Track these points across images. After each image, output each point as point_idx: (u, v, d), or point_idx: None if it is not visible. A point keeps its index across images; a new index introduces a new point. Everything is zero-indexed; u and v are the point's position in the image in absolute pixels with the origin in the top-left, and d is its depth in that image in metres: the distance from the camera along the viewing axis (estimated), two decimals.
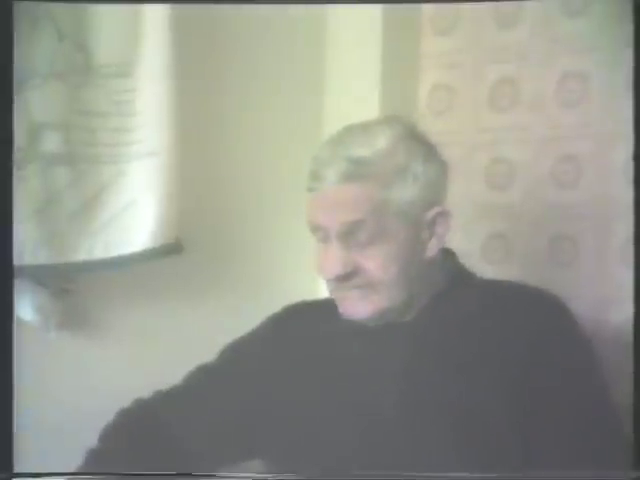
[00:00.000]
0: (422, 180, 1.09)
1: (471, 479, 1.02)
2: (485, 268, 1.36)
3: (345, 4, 1.61)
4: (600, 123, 1.39)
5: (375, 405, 1.09)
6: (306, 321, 1.21)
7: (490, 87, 1.54)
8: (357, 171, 1.06)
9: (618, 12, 1.19)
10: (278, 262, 1.52)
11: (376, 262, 1.07)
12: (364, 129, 1.11)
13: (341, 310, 1.12)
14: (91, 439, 1.17)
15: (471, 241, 1.52)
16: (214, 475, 1.17)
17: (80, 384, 1.35)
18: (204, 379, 1.23)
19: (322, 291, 1.20)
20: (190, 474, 1.15)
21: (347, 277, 1.08)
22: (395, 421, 1.07)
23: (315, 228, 1.11)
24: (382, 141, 1.08)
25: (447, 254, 1.16)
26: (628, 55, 1.11)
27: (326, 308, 1.16)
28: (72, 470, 1.12)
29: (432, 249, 1.11)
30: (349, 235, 1.07)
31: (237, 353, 1.23)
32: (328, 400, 1.12)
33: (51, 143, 1.31)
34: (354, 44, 1.60)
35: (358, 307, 1.09)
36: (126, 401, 1.23)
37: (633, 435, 1.03)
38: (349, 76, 1.60)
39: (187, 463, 1.19)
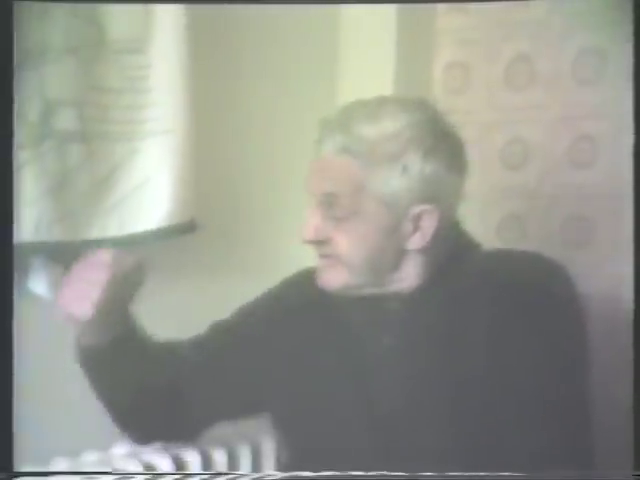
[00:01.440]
0: (414, 174, 1.07)
1: (471, 479, 1.02)
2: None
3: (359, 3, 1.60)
4: (616, 102, 1.38)
5: (379, 374, 1.10)
6: (317, 287, 1.22)
7: (505, 65, 1.53)
8: (351, 147, 1.07)
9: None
10: (292, 241, 1.51)
11: (346, 239, 1.08)
12: (379, 106, 1.10)
13: (318, 278, 1.14)
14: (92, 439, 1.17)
15: (486, 221, 1.51)
16: (218, 474, 1.18)
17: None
18: (215, 334, 1.24)
19: None
20: (193, 473, 1.16)
21: (320, 244, 1.10)
22: (398, 394, 1.09)
23: (307, 192, 1.12)
24: (389, 125, 1.07)
25: (453, 225, 1.15)
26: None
27: None
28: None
29: (416, 242, 1.09)
30: (326, 205, 1.09)
31: (251, 312, 1.25)
32: (334, 365, 1.14)
33: (65, 120, 1.31)
34: (368, 21, 1.58)
35: (329, 277, 1.11)
36: None
37: (633, 435, 1.03)
38: (363, 53, 1.59)
39: (194, 416, 1.21)
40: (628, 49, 1.32)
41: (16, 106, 1.25)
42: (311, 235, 1.10)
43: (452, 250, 1.13)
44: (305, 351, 1.17)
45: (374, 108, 1.10)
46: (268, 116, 1.53)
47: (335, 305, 1.16)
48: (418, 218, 1.08)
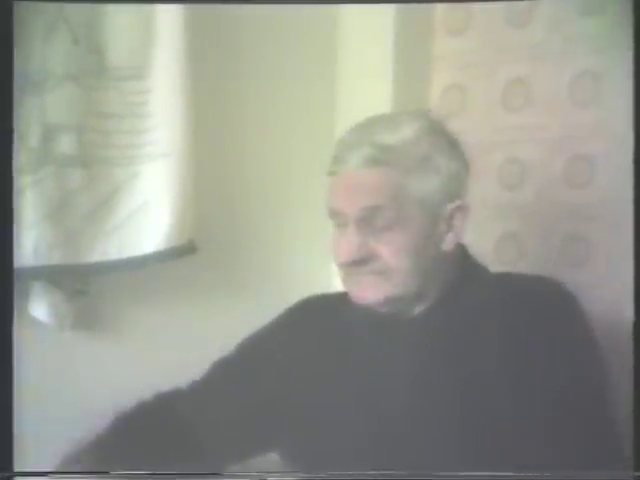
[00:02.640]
0: (444, 173, 1.10)
1: (471, 479, 1.02)
2: (498, 267, 1.36)
3: (357, 4, 1.61)
4: (613, 123, 1.39)
5: (388, 398, 1.10)
6: (321, 314, 1.22)
7: (503, 87, 1.54)
8: (381, 157, 1.07)
9: (632, 11, 1.19)
10: (293, 262, 1.52)
11: (391, 249, 1.08)
12: (390, 118, 1.13)
13: (351, 295, 1.12)
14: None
15: (484, 240, 1.51)
16: (219, 474, 1.17)
17: (88, 384, 1.36)
18: (222, 372, 1.24)
19: (337, 289, 1.20)
20: (193, 474, 1.16)
21: (361, 262, 1.09)
22: (407, 414, 1.08)
23: (334, 213, 1.11)
24: (407, 130, 1.09)
25: (459, 248, 1.16)
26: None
27: (340, 301, 1.17)
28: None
29: (449, 243, 1.11)
30: (367, 220, 1.08)
31: (254, 346, 1.24)
32: (343, 392, 1.13)
33: (65, 145, 1.32)
34: (366, 44, 1.60)
35: (368, 292, 1.10)
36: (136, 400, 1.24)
37: (633, 435, 1.03)
38: (361, 77, 1.60)
39: (203, 457, 1.20)
40: (627, 71, 1.34)
41: (16, 131, 1.28)
42: (353, 254, 1.08)
43: (461, 272, 1.14)
44: (315, 382, 1.16)
45: (387, 120, 1.12)
46: (268, 139, 1.54)
47: (342, 333, 1.16)
48: (451, 216, 1.10)
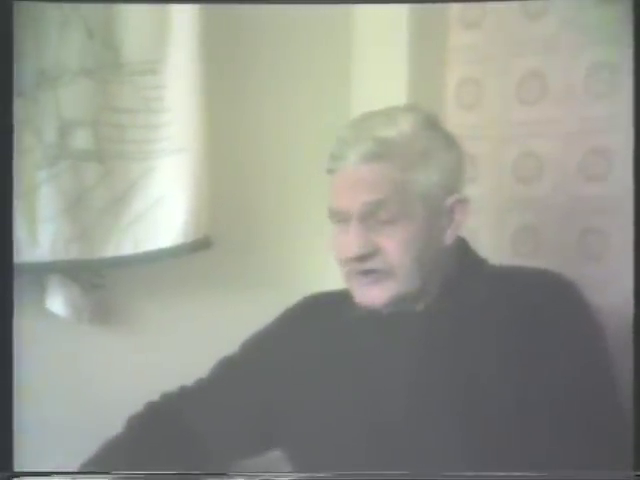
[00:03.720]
0: (443, 166, 1.10)
1: (471, 479, 1.01)
2: (514, 261, 1.36)
3: (371, 3, 1.60)
4: (629, 115, 1.37)
5: (391, 395, 1.09)
6: (324, 312, 1.22)
7: (518, 80, 1.53)
8: (381, 151, 1.07)
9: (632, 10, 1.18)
10: (307, 258, 1.52)
11: (395, 243, 1.07)
12: (386, 114, 1.12)
13: (356, 298, 1.12)
14: (93, 438, 1.18)
15: (500, 234, 1.51)
16: (220, 474, 1.18)
17: (103, 379, 1.37)
18: (226, 371, 1.24)
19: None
20: (194, 473, 1.16)
21: (365, 258, 1.08)
22: (410, 411, 1.08)
23: (335, 210, 1.11)
24: (405, 124, 1.09)
25: (459, 242, 1.16)
26: None
27: (343, 298, 1.16)
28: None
29: (450, 237, 1.11)
30: (370, 215, 1.07)
31: (257, 345, 1.25)
32: (346, 390, 1.13)
33: (81, 140, 1.33)
34: (380, 39, 1.59)
35: (374, 294, 1.09)
36: (151, 396, 1.25)
37: (633, 435, 1.02)
38: (376, 71, 1.60)
39: (208, 455, 1.21)
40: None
41: (32, 126, 1.29)
42: (357, 250, 1.08)
43: (461, 267, 1.13)
44: (318, 379, 1.16)
45: (382, 116, 1.11)
46: (283, 133, 1.54)
47: (345, 331, 1.16)
48: (451, 210, 1.10)
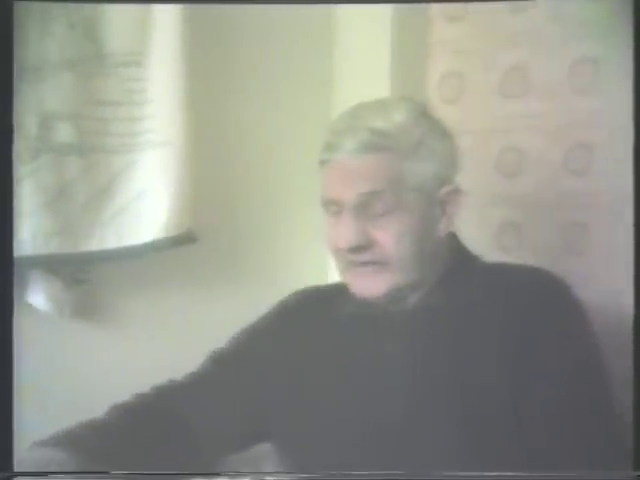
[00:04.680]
0: (437, 156, 1.10)
1: (471, 479, 1.02)
2: (498, 256, 1.36)
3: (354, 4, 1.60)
4: (613, 110, 1.38)
5: (383, 389, 1.09)
6: (315, 306, 1.22)
7: (501, 74, 1.53)
8: (376, 142, 1.07)
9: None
10: (291, 251, 1.52)
11: (390, 235, 1.07)
12: (380, 104, 1.12)
13: (353, 289, 1.11)
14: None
15: (483, 229, 1.51)
16: (219, 474, 1.18)
17: (86, 373, 1.37)
18: (217, 365, 1.24)
19: (334, 279, 1.20)
20: (193, 474, 1.16)
21: (360, 249, 1.08)
22: (403, 406, 1.08)
23: (330, 201, 1.10)
24: (399, 115, 1.09)
25: (451, 236, 1.16)
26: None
27: (335, 292, 1.16)
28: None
29: (444, 228, 1.11)
30: (365, 206, 1.07)
31: (248, 338, 1.24)
32: (337, 384, 1.13)
33: (63, 133, 1.32)
34: (363, 32, 1.59)
35: (371, 285, 1.09)
36: (135, 390, 1.23)
37: (633, 435, 1.03)
38: (358, 64, 1.60)
39: (199, 448, 1.20)
40: (627, 57, 1.33)
41: (14, 119, 1.27)
42: (352, 241, 1.07)
43: (453, 262, 1.13)
44: (308, 374, 1.16)
45: (376, 107, 1.11)
46: (266, 127, 1.53)
47: (335, 325, 1.16)
48: (445, 201, 1.10)
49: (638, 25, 1.11)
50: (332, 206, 1.10)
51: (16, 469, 1.05)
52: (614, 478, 1.03)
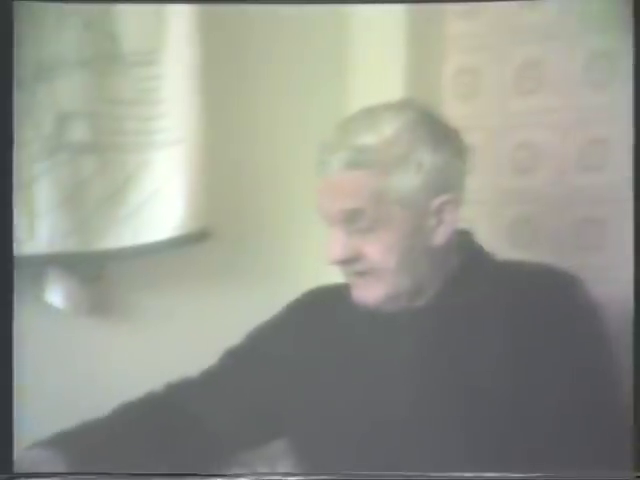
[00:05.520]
0: (428, 168, 1.08)
1: (471, 479, 1.02)
2: (511, 252, 1.35)
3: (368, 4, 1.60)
4: (628, 104, 1.37)
5: (392, 388, 1.10)
6: (328, 304, 1.22)
7: (515, 69, 1.53)
8: (360, 158, 1.07)
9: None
10: (305, 249, 1.52)
11: (377, 248, 1.08)
12: (372, 115, 1.11)
13: (353, 297, 1.13)
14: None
15: (497, 225, 1.51)
16: (219, 475, 1.18)
17: (102, 373, 1.37)
18: (231, 362, 1.25)
19: None
20: (195, 474, 1.17)
21: (349, 262, 1.10)
22: (411, 404, 1.08)
23: (321, 215, 1.12)
24: (388, 129, 1.08)
25: (463, 235, 1.15)
26: None
27: (346, 292, 1.16)
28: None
29: (440, 236, 1.10)
30: (349, 222, 1.08)
31: (262, 336, 1.25)
32: (349, 381, 1.14)
33: (78, 132, 1.32)
34: (377, 27, 1.58)
35: (367, 294, 1.11)
36: (150, 388, 1.25)
37: (633, 435, 1.02)
38: (372, 61, 1.59)
39: (213, 445, 1.21)
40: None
41: (30, 119, 1.28)
42: (339, 254, 1.09)
43: (464, 261, 1.13)
44: (320, 371, 1.17)
45: (367, 118, 1.11)
46: (280, 125, 1.53)
47: (347, 324, 1.16)
48: (440, 211, 1.09)
49: (638, 25, 1.10)
50: (325, 219, 1.12)
51: (16, 467, 1.06)
52: (614, 478, 1.02)
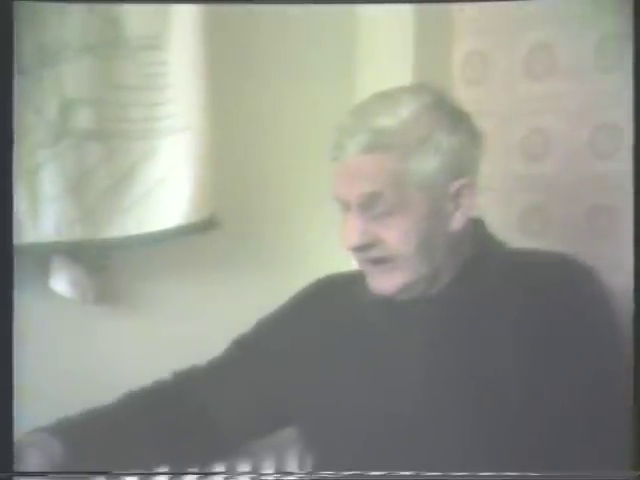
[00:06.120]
0: (446, 151, 1.07)
1: (471, 479, 1.01)
2: (522, 240, 1.35)
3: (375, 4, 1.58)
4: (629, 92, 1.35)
5: (402, 378, 1.09)
6: (339, 293, 1.22)
7: (525, 54, 1.51)
8: (378, 142, 1.05)
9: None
10: (314, 238, 1.51)
11: (395, 234, 1.06)
12: (389, 98, 1.10)
13: (369, 285, 1.12)
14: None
15: (508, 213, 1.50)
16: (219, 474, 1.18)
17: (108, 362, 1.37)
18: (239, 351, 1.25)
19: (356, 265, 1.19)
20: (195, 473, 1.16)
21: (366, 248, 1.08)
22: (422, 394, 1.08)
23: (337, 199, 1.10)
24: (405, 111, 1.07)
25: (476, 224, 1.14)
26: None
27: (356, 280, 1.16)
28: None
29: (458, 221, 1.09)
30: (368, 206, 1.06)
31: (270, 325, 1.25)
32: (358, 371, 1.13)
33: (83, 118, 1.31)
34: (386, 12, 1.57)
35: (383, 283, 1.09)
36: (156, 377, 1.25)
37: (633, 435, 1.01)
38: (381, 45, 1.58)
39: (221, 434, 1.21)
40: None
41: (34, 105, 1.27)
42: (356, 240, 1.07)
43: (477, 250, 1.12)
44: (329, 361, 1.16)
45: (384, 101, 1.09)
46: (286, 112, 1.52)
47: (359, 312, 1.15)
48: (457, 195, 1.08)
49: (638, 33, 1.09)
50: (340, 204, 1.10)
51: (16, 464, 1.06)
52: (614, 478, 1.02)
